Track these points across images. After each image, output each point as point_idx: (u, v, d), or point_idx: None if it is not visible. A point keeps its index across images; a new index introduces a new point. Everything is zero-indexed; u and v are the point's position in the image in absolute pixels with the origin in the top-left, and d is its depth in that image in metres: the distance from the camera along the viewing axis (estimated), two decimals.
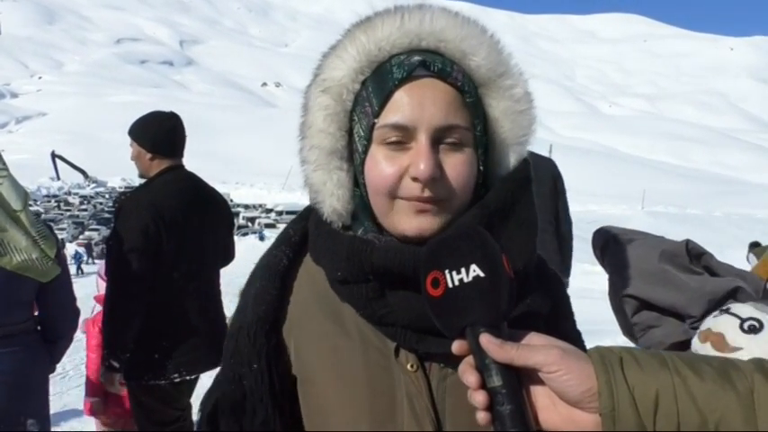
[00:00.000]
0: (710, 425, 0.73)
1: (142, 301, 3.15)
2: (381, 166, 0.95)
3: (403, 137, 0.94)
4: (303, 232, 1.11)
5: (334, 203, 1.01)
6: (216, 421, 1.06)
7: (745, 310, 1.59)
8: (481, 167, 1.00)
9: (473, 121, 0.97)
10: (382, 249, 0.95)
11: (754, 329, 1.51)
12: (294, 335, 1.05)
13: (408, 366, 0.98)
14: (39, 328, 2.89)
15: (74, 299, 3.00)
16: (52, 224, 2.94)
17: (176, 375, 3.28)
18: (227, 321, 3.86)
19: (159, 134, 3.39)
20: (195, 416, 3.61)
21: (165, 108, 3.78)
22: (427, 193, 0.93)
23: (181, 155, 3.51)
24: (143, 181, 3.56)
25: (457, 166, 0.94)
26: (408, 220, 0.95)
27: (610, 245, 2.05)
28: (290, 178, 27.98)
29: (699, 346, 1.60)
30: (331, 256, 1.01)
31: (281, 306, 1.06)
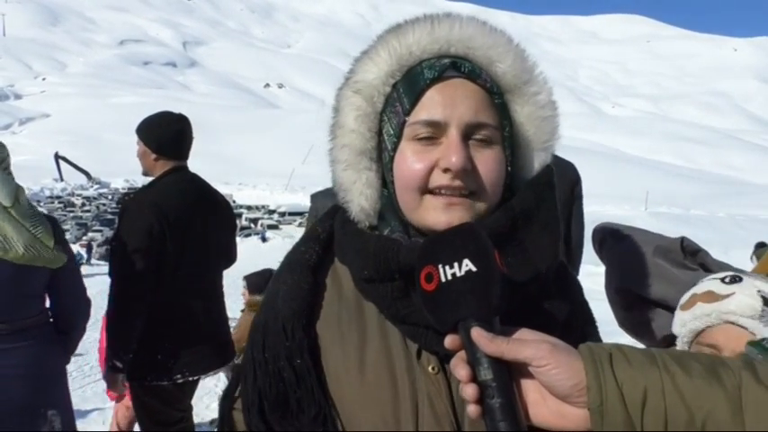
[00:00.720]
0: (698, 421, 0.73)
1: (145, 301, 3.15)
2: (411, 160, 0.98)
3: (434, 132, 0.97)
4: (330, 231, 1.12)
5: (362, 202, 1.04)
6: (265, 416, 1.06)
7: (719, 274, 1.63)
8: (509, 168, 1.02)
9: (501, 121, 1.00)
10: (409, 248, 0.96)
11: (736, 280, 1.57)
12: (323, 331, 1.05)
13: (430, 368, 1.00)
14: (51, 320, 2.91)
15: (84, 288, 3.01)
16: None
17: (179, 376, 3.28)
18: (231, 323, 3.87)
19: (165, 135, 3.39)
20: (197, 417, 3.62)
21: (168, 108, 3.79)
22: (457, 183, 0.95)
23: (185, 157, 3.52)
24: (147, 181, 3.57)
25: (487, 161, 0.97)
26: (437, 215, 0.97)
27: (607, 240, 2.11)
28: (292, 179, 27.96)
29: (685, 315, 1.62)
30: (357, 255, 1.03)
31: (315, 301, 1.06)
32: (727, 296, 1.55)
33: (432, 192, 0.98)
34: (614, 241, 2.08)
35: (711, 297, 1.58)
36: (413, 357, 1.01)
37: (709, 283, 1.62)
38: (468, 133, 0.97)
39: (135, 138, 3.47)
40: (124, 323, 3.16)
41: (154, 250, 3.15)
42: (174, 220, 3.24)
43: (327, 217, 1.15)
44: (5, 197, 2.59)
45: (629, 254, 1.99)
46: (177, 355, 3.27)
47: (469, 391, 0.79)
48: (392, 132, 1.01)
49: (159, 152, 3.39)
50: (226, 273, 3.73)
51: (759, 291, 1.52)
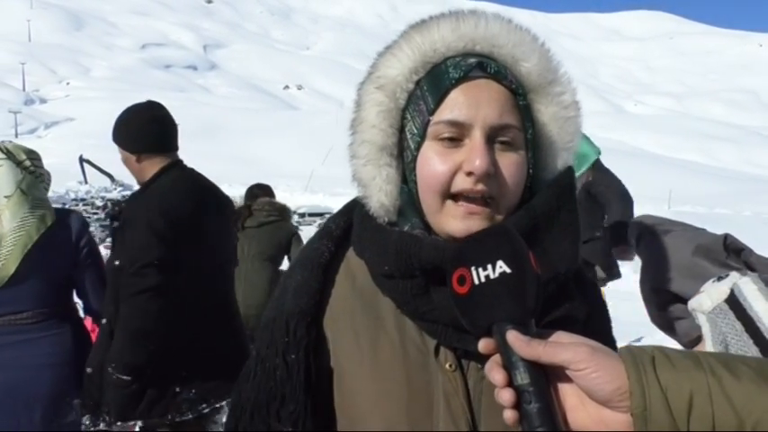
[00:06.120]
0: (748, 427, 0.70)
1: (164, 320, 2.71)
2: (434, 162, 0.97)
3: (457, 134, 0.96)
4: (345, 227, 1.12)
5: (382, 198, 1.03)
6: (254, 414, 1.07)
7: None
8: (531, 170, 1.02)
9: (524, 123, 0.99)
10: (431, 245, 0.96)
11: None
12: (333, 328, 1.05)
13: (447, 366, 0.99)
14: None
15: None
16: None
17: (204, 405, 2.83)
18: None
19: (140, 130, 2.89)
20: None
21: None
22: (480, 187, 0.94)
23: (174, 148, 3.00)
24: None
25: (510, 165, 0.97)
26: (456, 223, 0.96)
27: (645, 235, 2.07)
28: (312, 180, 28.09)
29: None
30: (377, 251, 1.02)
31: (323, 299, 1.06)
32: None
33: (453, 197, 0.97)
34: (652, 237, 2.04)
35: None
36: (429, 354, 1.00)
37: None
38: (492, 136, 0.96)
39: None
40: (139, 346, 2.71)
41: (169, 262, 2.71)
42: (187, 228, 2.79)
43: (342, 214, 1.14)
44: (5, 186, 2.67)
45: (667, 252, 1.96)
46: (196, 382, 2.81)
47: (506, 395, 0.77)
48: (416, 131, 1.00)
49: (138, 150, 2.86)
50: None
51: (732, 288, 1.55)
